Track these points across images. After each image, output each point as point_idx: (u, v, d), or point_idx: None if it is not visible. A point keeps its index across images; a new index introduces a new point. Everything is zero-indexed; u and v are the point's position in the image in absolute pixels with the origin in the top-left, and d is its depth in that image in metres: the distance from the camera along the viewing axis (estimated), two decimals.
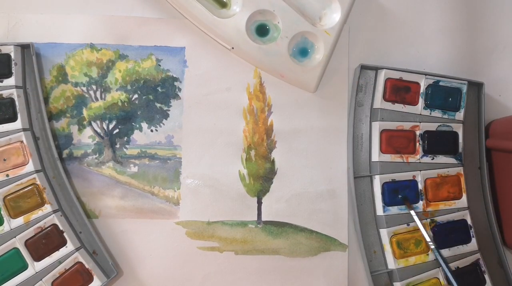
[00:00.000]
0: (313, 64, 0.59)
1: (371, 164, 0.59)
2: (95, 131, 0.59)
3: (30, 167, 0.55)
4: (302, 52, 0.59)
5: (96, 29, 0.60)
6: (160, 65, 0.60)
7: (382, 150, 0.58)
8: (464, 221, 0.58)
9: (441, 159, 0.58)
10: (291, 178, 0.60)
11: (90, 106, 0.59)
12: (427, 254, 0.57)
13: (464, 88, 0.59)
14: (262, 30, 0.59)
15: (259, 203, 0.60)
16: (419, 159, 0.58)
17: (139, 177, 0.59)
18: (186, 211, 0.59)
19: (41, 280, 0.54)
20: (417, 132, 0.58)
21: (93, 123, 0.59)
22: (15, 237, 0.54)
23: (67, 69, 0.59)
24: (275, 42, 0.58)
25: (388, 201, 0.58)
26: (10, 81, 0.56)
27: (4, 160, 0.55)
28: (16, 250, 0.54)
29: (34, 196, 0.55)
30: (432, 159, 0.58)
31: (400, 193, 0.58)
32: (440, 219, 0.58)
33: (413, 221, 0.57)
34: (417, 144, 0.58)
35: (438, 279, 0.57)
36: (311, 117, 0.61)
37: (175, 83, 0.60)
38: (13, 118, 0.55)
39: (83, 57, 0.60)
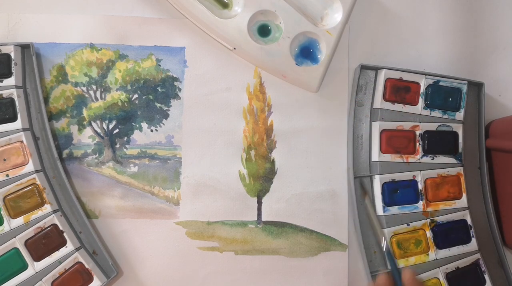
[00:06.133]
0: (315, 64, 0.59)
1: (371, 164, 0.59)
2: (95, 131, 0.59)
3: (30, 167, 0.55)
4: (304, 52, 0.59)
5: (96, 29, 0.60)
6: (160, 65, 0.60)
7: (382, 150, 0.58)
8: (464, 221, 0.58)
9: (441, 159, 0.59)
10: (291, 178, 0.60)
11: (90, 106, 0.59)
12: (427, 254, 0.57)
13: (464, 88, 0.59)
14: (263, 31, 0.59)
15: (259, 203, 0.60)
16: (419, 159, 0.58)
17: (139, 177, 0.59)
18: (186, 211, 0.59)
19: (41, 280, 0.54)
20: (417, 132, 0.58)
21: (93, 123, 0.59)
22: (15, 237, 0.54)
23: (67, 69, 0.59)
24: (277, 42, 0.58)
25: (388, 201, 0.58)
26: (10, 81, 0.56)
27: (4, 160, 0.55)
28: (16, 250, 0.54)
29: (34, 196, 0.55)
30: (432, 159, 0.58)
31: (400, 193, 0.58)
32: (440, 219, 0.58)
33: (414, 220, 0.57)
34: (417, 144, 0.58)
35: (438, 279, 0.57)
36: (311, 117, 0.61)
37: (175, 83, 0.60)
38: (13, 118, 0.55)
39: (83, 57, 0.60)
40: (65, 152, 0.59)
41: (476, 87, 0.61)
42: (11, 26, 0.59)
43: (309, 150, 0.61)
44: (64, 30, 0.60)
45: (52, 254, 0.55)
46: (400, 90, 0.58)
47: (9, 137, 0.55)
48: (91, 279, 0.55)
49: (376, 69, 0.59)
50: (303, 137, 0.61)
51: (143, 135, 0.60)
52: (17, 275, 0.54)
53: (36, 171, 0.55)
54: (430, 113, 0.59)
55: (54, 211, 0.55)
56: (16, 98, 0.55)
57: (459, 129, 0.59)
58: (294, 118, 0.61)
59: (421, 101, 0.59)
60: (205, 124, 0.60)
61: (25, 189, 0.55)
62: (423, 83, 0.59)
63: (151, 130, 0.60)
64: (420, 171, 0.58)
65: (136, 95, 0.60)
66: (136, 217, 0.59)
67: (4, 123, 0.55)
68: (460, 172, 0.59)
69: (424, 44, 0.62)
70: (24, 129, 0.56)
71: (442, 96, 0.59)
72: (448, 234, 0.58)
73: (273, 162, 0.60)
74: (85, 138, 0.59)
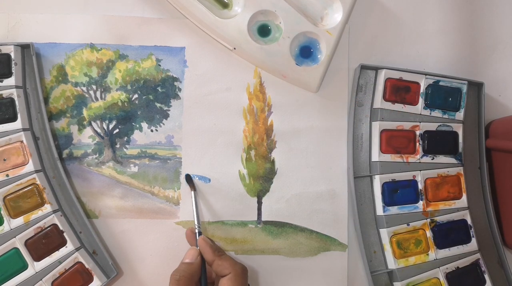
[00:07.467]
0: (315, 64, 0.59)
1: (371, 164, 0.59)
2: (95, 131, 0.59)
3: (30, 167, 0.55)
4: (304, 52, 0.59)
5: (96, 29, 0.60)
6: (160, 65, 0.60)
7: (382, 150, 0.58)
8: (464, 221, 0.58)
9: (441, 158, 0.59)
10: (291, 178, 0.60)
11: (90, 106, 0.59)
12: (427, 254, 0.57)
13: (464, 88, 0.59)
14: (263, 31, 0.59)
15: (259, 203, 0.60)
16: (419, 159, 0.58)
17: (139, 177, 0.59)
18: (186, 211, 0.59)
19: (41, 280, 0.54)
20: (417, 132, 0.58)
21: (93, 123, 0.59)
22: (15, 237, 0.54)
23: (67, 69, 0.59)
24: (277, 42, 0.58)
25: (388, 201, 0.58)
26: (10, 81, 0.56)
27: (4, 160, 0.55)
28: (16, 250, 0.54)
29: (34, 196, 0.55)
30: (432, 159, 0.58)
31: (400, 193, 0.58)
32: (440, 219, 0.58)
33: (414, 220, 0.57)
34: (417, 143, 0.58)
35: (438, 279, 0.57)
36: (311, 117, 0.61)
37: (175, 83, 0.60)
38: (13, 118, 0.55)
39: (83, 57, 0.60)
40: (65, 152, 0.59)
41: (476, 87, 0.61)
42: (11, 26, 0.59)
43: (309, 150, 0.61)
44: (64, 30, 0.60)
45: (52, 254, 0.55)
46: (400, 90, 0.58)
47: (9, 137, 0.55)
48: (91, 279, 0.55)
49: (376, 69, 0.59)
50: (303, 137, 0.61)
51: (143, 135, 0.60)
52: (17, 275, 0.54)
53: (36, 171, 0.55)
54: (430, 113, 0.59)
55: (54, 211, 0.55)
56: (16, 98, 0.55)
57: (459, 129, 0.59)
58: (294, 118, 0.61)
59: (421, 101, 0.59)
60: (205, 124, 0.60)
61: (25, 189, 0.55)
62: (423, 83, 0.59)
63: (151, 130, 0.60)
64: (420, 170, 0.58)
65: (136, 95, 0.60)
66: (136, 217, 0.59)
67: (4, 123, 0.55)
68: (460, 172, 0.59)
69: (424, 44, 0.62)
70: (24, 129, 0.55)
71: (442, 96, 0.59)
72: (448, 234, 0.58)
73: (273, 162, 0.60)
74: (85, 138, 0.59)
